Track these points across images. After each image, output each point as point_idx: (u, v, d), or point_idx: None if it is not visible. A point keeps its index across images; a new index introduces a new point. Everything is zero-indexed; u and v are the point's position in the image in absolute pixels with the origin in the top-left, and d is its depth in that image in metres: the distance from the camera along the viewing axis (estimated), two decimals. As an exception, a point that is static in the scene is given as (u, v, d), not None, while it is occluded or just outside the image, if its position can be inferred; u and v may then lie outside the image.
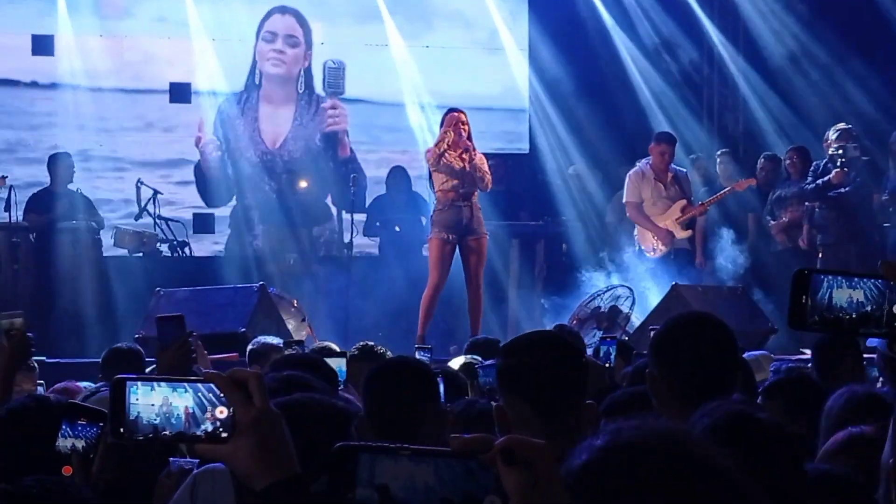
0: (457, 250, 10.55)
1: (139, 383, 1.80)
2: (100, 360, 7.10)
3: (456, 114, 10.59)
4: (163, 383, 1.81)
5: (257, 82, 14.62)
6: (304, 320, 10.97)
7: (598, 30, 14.96)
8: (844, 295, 2.15)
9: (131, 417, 1.79)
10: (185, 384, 1.80)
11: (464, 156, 10.37)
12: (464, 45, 15.24)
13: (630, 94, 14.87)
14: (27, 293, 12.07)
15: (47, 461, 3.35)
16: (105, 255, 12.66)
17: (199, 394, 1.80)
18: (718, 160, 13.32)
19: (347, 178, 13.04)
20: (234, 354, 9.01)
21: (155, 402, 1.80)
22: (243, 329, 9.68)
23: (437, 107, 14.50)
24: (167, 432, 1.79)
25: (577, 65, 14.78)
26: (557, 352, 3.27)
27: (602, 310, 11.16)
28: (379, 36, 14.84)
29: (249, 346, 7.59)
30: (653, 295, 11.34)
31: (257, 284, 10.71)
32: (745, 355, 6.23)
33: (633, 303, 11.24)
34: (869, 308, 2.15)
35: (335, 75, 14.35)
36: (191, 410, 1.79)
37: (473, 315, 10.55)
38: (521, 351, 3.29)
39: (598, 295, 11.38)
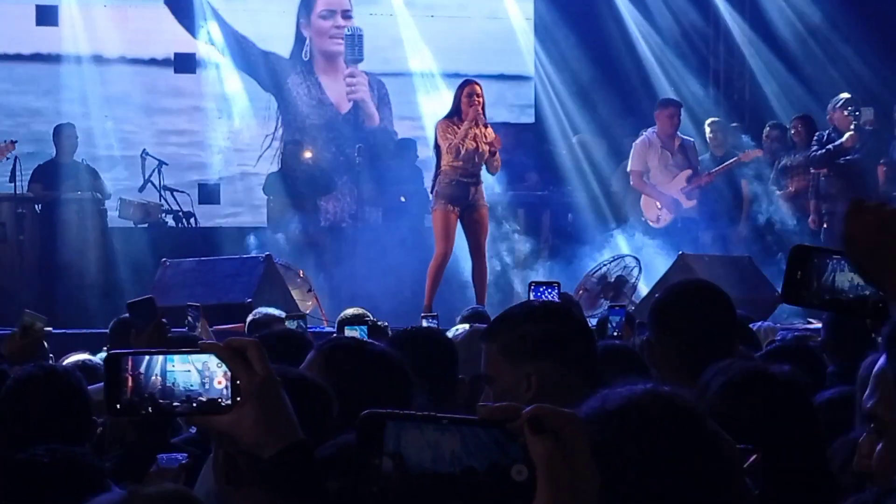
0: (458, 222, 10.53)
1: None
2: (107, 330, 7.13)
3: (468, 86, 10.43)
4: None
5: (306, 58, 14.60)
6: (309, 290, 10.97)
7: (604, -1, 14.93)
8: (847, 278, 2.25)
9: (168, 383, 1.78)
10: (185, 355, 1.78)
11: (476, 131, 10.28)
12: (469, 14, 15.18)
13: (636, 63, 14.83)
14: (32, 264, 12.07)
15: (59, 429, 3.35)
16: (110, 225, 12.64)
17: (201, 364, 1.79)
18: (708, 129, 13.27)
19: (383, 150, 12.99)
20: (240, 325, 9.00)
21: (192, 368, 1.78)
22: (249, 299, 9.67)
23: (442, 76, 14.50)
24: (168, 402, 1.77)
25: (582, 34, 14.73)
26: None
27: (609, 279, 11.16)
28: (384, 5, 14.79)
29: (249, 317, 7.59)
30: (659, 264, 11.33)
31: (263, 255, 10.71)
32: (752, 325, 6.23)
33: (640, 272, 11.23)
34: (867, 291, 2.23)
35: (352, 43, 14.30)
36: (216, 382, 1.78)
37: (479, 284, 10.54)
38: None
39: (605, 265, 11.38)
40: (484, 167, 10.47)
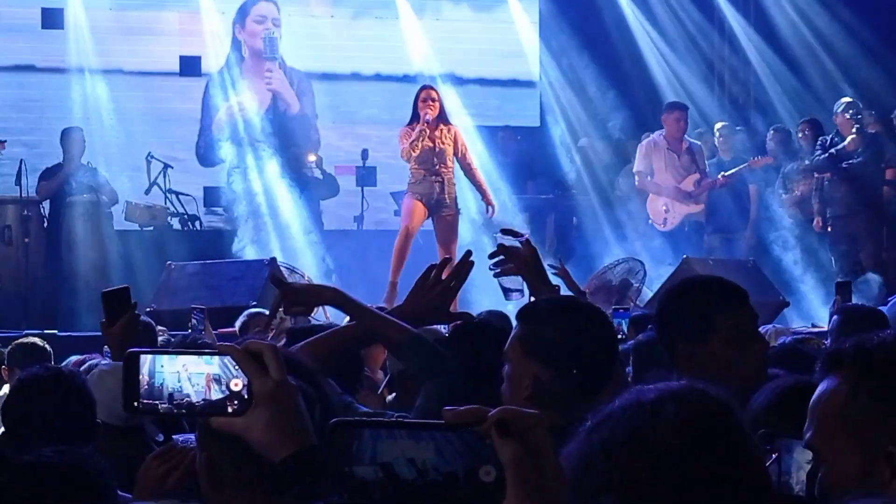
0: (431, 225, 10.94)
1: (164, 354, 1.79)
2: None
3: (424, 91, 10.91)
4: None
5: (244, 56, 14.64)
6: (315, 293, 10.96)
7: (609, 2, 14.92)
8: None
9: (157, 384, 1.78)
10: (201, 356, 1.79)
11: (436, 133, 10.68)
12: (474, 18, 15.19)
13: (641, 67, 14.84)
14: (38, 267, 12.09)
15: (64, 431, 3.36)
16: (116, 228, 12.66)
17: (217, 365, 1.79)
18: (717, 133, 13.28)
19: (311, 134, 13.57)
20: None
21: (178, 370, 1.79)
22: (254, 303, 9.67)
23: (447, 80, 14.51)
24: (186, 401, 1.78)
25: (587, 38, 14.73)
26: None
27: (613, 283, 11.14)
28: (389, 9, 14.81)
29: (237, 322, 7.61)
30: (664, 267, 11.33)
31: (268, 258, 10.73)
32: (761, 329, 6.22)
33: (644, 275, 11.23)
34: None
35: (268, 44, 14.55)
36: (213, 379, 1.79)
37: None
38: None
39: (609, 268, 11.37)
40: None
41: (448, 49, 14.79)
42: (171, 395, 1.78)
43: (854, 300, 7.63)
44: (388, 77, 14.78)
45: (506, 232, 4.04)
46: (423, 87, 11.10)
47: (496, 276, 4.01)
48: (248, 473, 1.86)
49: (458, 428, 1.48)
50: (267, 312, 7.58)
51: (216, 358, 1.79)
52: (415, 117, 10.79)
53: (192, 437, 3.68)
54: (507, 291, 4.14)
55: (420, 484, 1.46)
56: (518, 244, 3.92)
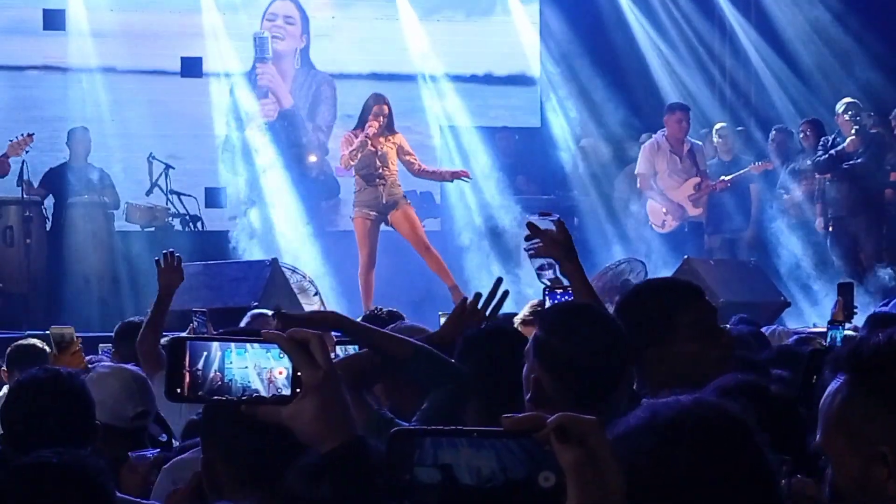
0: (392, 226, 11.15)
1: (233, 345, 1.79)
2: (112, 333, 7.16)
3: (377, 106, 10.98)
4: (255, 345, 1.79)
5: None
6: (316, 294, 10.99)
7: (610, 2, 14.92)
8: None
9: (227, 380, 1.78)
10: (248, 344, 1.78)
11: (379, 140, 10.89)
12: (475, 18, 15.19)
13: (642, 67, 14.83)
14: (39, 268, 12.09)
15: (62, 432, 3.37)
16: (117, 229, 12.67)
17: (287, 359, 1.79)
18: (716, 134, 13.27)
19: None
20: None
21: (248, 365, 1.78)
22: (256, 303, 9.66)
23: (448, 80, 14.54)
24: (256, 395, 1.78)
25: (588, 38, 14.74)
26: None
27: (614, 283, 11.15)
28: (390, 9, 14.81)
29: (243, 321, 7.59)
30: (665, 268, 11.34)
31: (269, 259, 10.73)
32: (764, 329, 6.24)
33: (645, 276, 11.23)
34: None
35: (258, 44, 14.48)
36: (278, 371, 1.79)
37: (440, 272, 10.99)
38: None
39: (611, 268, 11.39)
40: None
41: (448, 49, 14.79)
42: (241, 389, 1.78)
43: (857, 298, 7.64)
44: (389, 77, 14.76)
45: (542, 214, 4.22)
46: (377, 100, 11.09)
47: (530, 256, 4.22)
48: (242, 474, 1.86)
49: (518, 435, 1.49)
50: (269, 313, 7.60)
51: (262, 346, 1.78)
52: (361, 124, 10.97)
53: (146, 453, 3.73)
54: (538, 271, 4.35)
55: (480, 490, 1.47)
56: (551, 224, 4.06)
